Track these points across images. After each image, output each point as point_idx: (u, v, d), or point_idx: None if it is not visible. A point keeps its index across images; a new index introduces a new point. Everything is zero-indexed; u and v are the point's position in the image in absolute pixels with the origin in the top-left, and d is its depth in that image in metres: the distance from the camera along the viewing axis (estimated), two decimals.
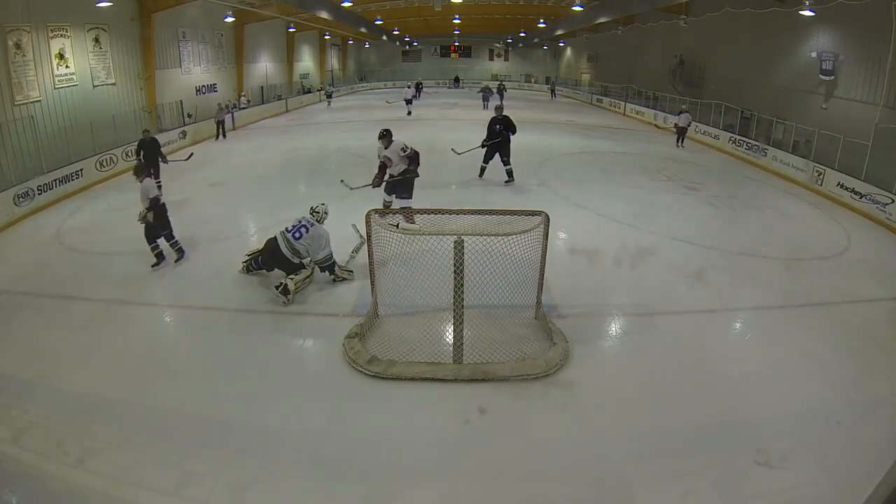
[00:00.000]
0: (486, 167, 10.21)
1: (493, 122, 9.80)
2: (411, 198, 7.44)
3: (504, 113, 9.85)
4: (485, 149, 9.99)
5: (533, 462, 3.49)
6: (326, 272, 5.91)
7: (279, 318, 5.31)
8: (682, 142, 15.44)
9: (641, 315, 5.46)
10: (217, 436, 3.70)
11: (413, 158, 7.34)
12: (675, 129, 15.79)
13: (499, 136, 9.68)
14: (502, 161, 9.88)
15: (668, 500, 3.22)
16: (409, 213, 6.88)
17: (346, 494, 3.25)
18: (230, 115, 18.34)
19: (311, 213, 5.85)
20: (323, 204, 5.91)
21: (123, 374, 4.36)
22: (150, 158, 9.28)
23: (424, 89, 30.40)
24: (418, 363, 4.36)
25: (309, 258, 5.79)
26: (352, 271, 6.09)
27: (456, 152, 10.15)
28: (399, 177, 7.29)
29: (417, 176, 7.44)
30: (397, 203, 7.38)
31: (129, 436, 3.67)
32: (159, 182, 8.36)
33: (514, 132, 9.75)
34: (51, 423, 3.77)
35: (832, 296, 5.98)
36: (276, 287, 5.51)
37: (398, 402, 4.04)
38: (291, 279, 5.57)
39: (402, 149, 7.28)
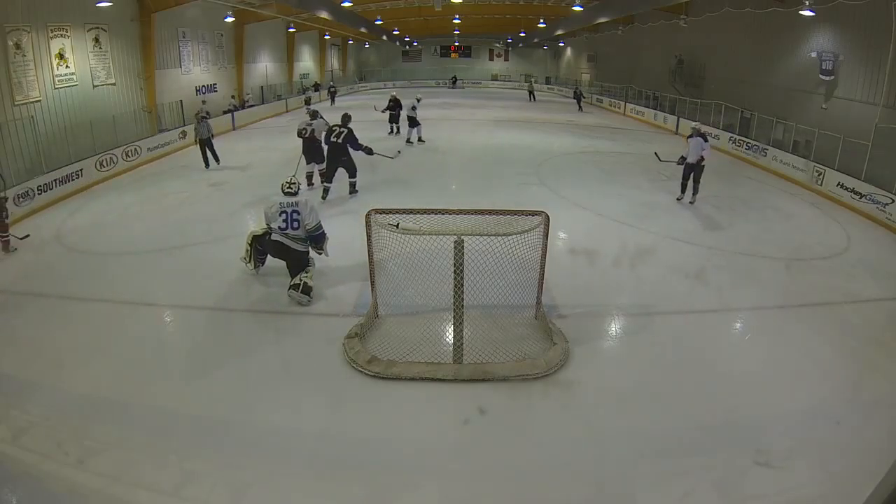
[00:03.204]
0: (322, 185, 9.18)
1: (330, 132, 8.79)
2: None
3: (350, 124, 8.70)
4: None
5: (533, 462, 3.48)
6: (314, 244, 5.66)
7: (279, 317, 5.31)
8: (693, 188, 9.03)
9: (641, 315, 5.46)
10: (217, 436, 3.70)
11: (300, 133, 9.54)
12: (679, 163, 9.07)
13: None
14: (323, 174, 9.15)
15: (668, 500, 3.22)
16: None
17: (346, 494, 3.25)
18: (231, 114, 18.30)
19: (290, 189, 5.52)
20: (293, 175, 5.84)
21: (123, 374, 4.36)
22: None
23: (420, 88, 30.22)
24: (418, 363, 4.36)
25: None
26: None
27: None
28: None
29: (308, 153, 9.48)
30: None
31: (129, 436, 3.67)
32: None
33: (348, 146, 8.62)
34: (51, 423, 3.77)
35: (832, 296, 5.98)
36: (294, 288, 5.38)
37: (398, 403, 4.04)
38: (308, 275, 5.49)
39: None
